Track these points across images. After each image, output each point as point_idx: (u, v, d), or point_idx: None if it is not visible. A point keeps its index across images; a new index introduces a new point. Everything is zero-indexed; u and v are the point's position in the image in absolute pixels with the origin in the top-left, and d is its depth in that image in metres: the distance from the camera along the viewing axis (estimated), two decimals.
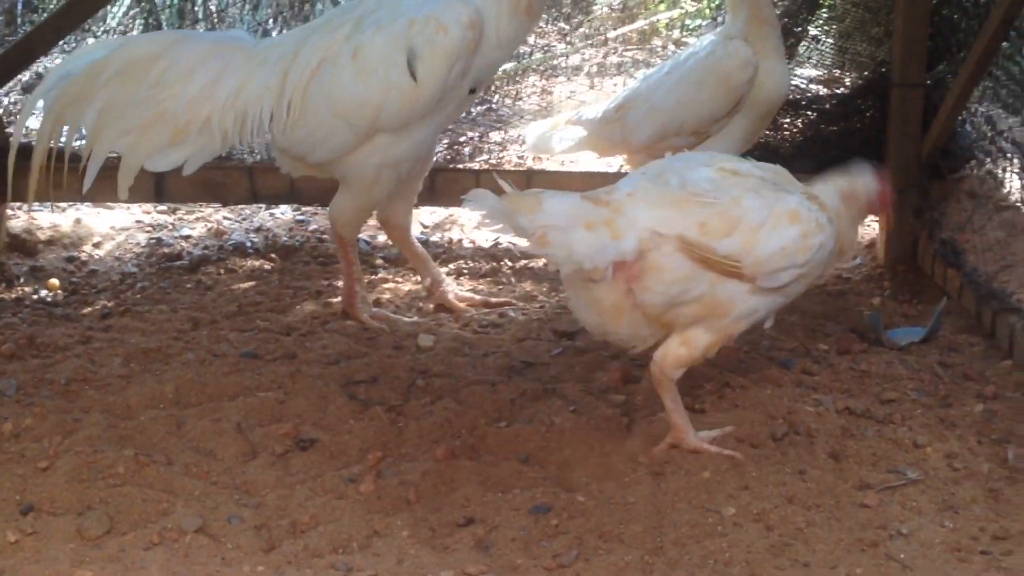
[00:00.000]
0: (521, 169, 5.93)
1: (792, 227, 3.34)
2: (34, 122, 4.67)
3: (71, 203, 5.74)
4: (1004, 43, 4.54)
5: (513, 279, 5.01)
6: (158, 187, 5.46)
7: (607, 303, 3.36)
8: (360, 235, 5.54)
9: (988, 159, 4.78)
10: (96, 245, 5.46)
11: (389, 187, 4.23)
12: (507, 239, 5.63)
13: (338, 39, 4.06)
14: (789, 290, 3.45)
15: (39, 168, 4.23)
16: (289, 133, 4.13)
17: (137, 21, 5.86)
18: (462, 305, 4.55)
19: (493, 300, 4.64)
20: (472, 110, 6.43)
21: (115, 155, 4.25)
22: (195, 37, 4.67)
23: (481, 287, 4.91)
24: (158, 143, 4.17)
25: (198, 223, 5.89)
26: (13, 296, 4.81)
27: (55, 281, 4.95)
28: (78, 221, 5.61)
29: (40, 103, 4.25)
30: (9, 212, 5.47)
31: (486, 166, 5.87)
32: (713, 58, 4.77)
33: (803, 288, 3.53)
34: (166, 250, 5.42)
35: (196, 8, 5.63)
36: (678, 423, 3.44)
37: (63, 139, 4.23)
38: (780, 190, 3.41)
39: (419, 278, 4.96)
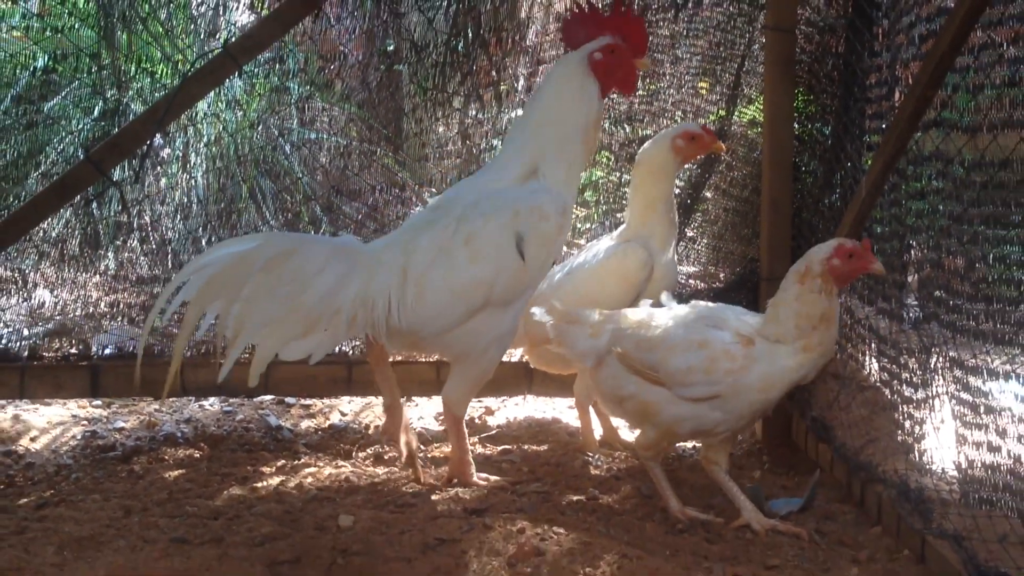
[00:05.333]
0: (431, 359, 6.06)
1: (699, 351, 4.16)
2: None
3: (10, 401, 5.84)
4: None
5: (427, 463, 5.05)
6: (94, 384, 5.65)
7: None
8: (284, 424, 5.73)
9: (849, 344, 4.96)
10: (33, 439, 5.44)
11: (497, 360, 4.60)
12: (420, 424, 5.77)
13: (448, 234, 4.45)
14: (719, 405, 4.19)
15: (179, 355, 4.38)
16: (407, 316, 4.42)
17: (76, 231, 5.95)
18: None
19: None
20: None
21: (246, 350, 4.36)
22: (316, 240, 4.97)
23: (395, 470, 4.94)
24: (291, 335, 4.33)
25: (131, 416, 5.90)
26: None
27: None
28: (16, 417, 5.65)
29: (185, 292, 4.25)
30: None
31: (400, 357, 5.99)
32: (615, 259, 5.16)
33: (744, 407, 4.21)
34: (100, 442, 5.41)
35: (131, 219, 5.78)
36: (661, 494, 4.44)
37: (202, 328, 4.34)
38: (710, 326, 4.24)
39: (339, 461, 5.11)
